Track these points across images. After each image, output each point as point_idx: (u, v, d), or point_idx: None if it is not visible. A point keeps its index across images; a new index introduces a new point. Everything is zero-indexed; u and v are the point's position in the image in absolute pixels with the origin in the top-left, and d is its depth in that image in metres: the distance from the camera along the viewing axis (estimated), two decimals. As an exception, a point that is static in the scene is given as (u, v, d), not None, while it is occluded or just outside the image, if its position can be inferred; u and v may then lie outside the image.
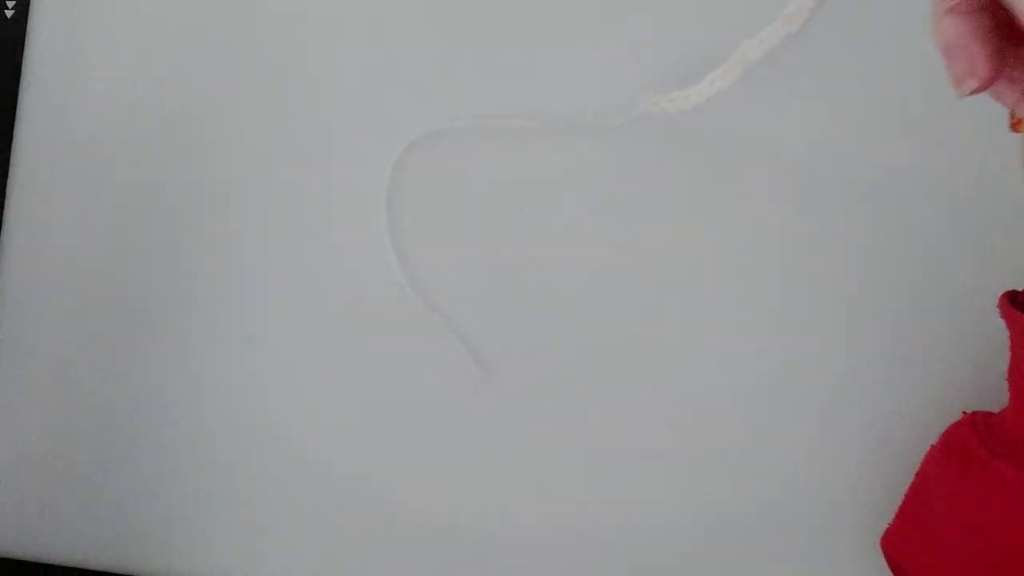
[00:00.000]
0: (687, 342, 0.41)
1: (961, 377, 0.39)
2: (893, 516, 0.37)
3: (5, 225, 0.45)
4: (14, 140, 0.45)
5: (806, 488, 0.39)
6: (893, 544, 0.37)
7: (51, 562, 0.43)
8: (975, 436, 0.32)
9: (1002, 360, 0.32)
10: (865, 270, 0.40)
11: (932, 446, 0.35)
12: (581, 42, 0.42)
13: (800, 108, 0.41)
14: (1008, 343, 0.31)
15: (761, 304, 0.40)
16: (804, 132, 0.41)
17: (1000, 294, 0.31)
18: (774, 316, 0.40)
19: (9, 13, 0.45)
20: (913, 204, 0.37)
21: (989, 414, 0.33)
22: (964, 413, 0.34)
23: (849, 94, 0.41)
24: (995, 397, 0.35)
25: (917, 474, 0.35)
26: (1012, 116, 0.28)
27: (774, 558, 0.39)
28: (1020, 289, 0.30)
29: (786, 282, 0.40)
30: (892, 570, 0.37)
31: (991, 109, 0.28)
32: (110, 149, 0.45)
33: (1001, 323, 0.31)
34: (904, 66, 0.39)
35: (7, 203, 0.45)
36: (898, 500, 0.37)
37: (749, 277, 0.41)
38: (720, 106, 0.41)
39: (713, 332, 0.41)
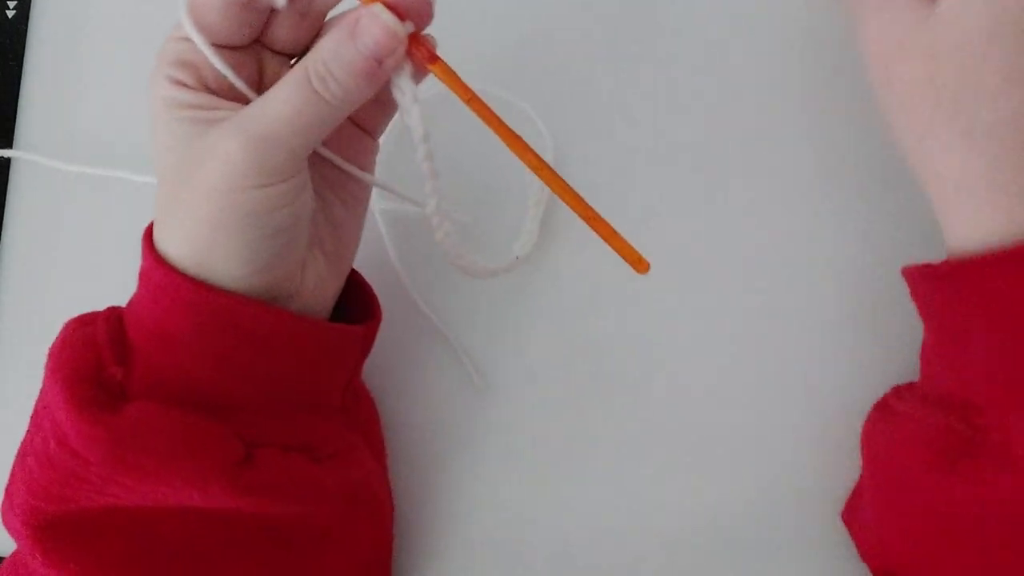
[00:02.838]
0: (686, 344, 0.40)
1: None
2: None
3: (5, 225, 0.45)
4: (15, 140, 0.45)
5: (806, 489, 0.39)
6: (847, 516, 0.38)
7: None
8: (894, 394, 0.35)
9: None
10: (869, 268, 0.39)
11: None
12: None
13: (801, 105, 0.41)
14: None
15: (760, 305, 0.40)
16: (805, 127, 0.41)
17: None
18: (774, 317, 0.40)
19: (10, 13, 0.46)
20: (921, 200, 0.36)
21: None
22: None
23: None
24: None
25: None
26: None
27: (774, 561, 0.39)
28: (938, 262, 0.31)
29: (785, 283, 0.40)
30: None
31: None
32: (111, 151, 0.45)
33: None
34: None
35: (7, 204, 0.45)
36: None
37: (747, 278, 0.40)
38: (717, 110, 0.41)
39: (712, 333, 0.40)
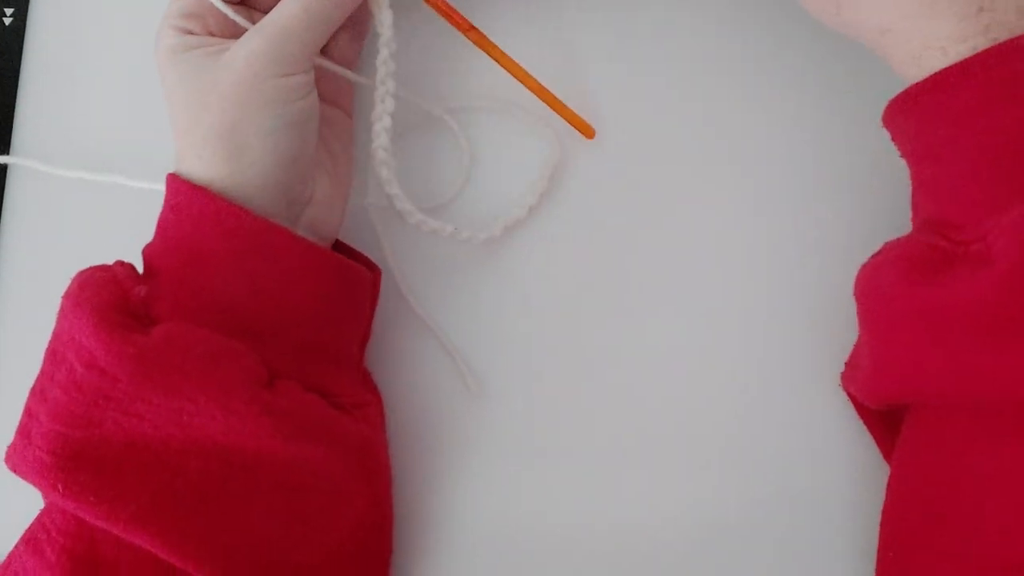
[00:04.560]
0: (684, 346, 0.40)
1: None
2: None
3: (3, 231, 0.45)
4: (11, 148, 0.45)
5: (806, 491, 0.39)
6: (845, 380, 0.38)
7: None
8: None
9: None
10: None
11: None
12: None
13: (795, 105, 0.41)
14: None
15: (758, 305, 0.40)
16: (802, 126, 0.41)
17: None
18: (771, 318, 0.40)
19: (7, 21, 0.46)
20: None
21: None
22: None
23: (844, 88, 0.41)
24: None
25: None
26: None
27: (773, 564, 0.39)
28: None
29: (783, 283, 0.40)
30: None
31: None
32: (108, 157, 0.45)
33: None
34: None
35: (4, 211, 0.45)
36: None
37: (745, 279, 0.40)
38: (713, 108, 0.41)
39: (709, 336, 0.40)
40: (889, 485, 0.35)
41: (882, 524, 0.35)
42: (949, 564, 0.31)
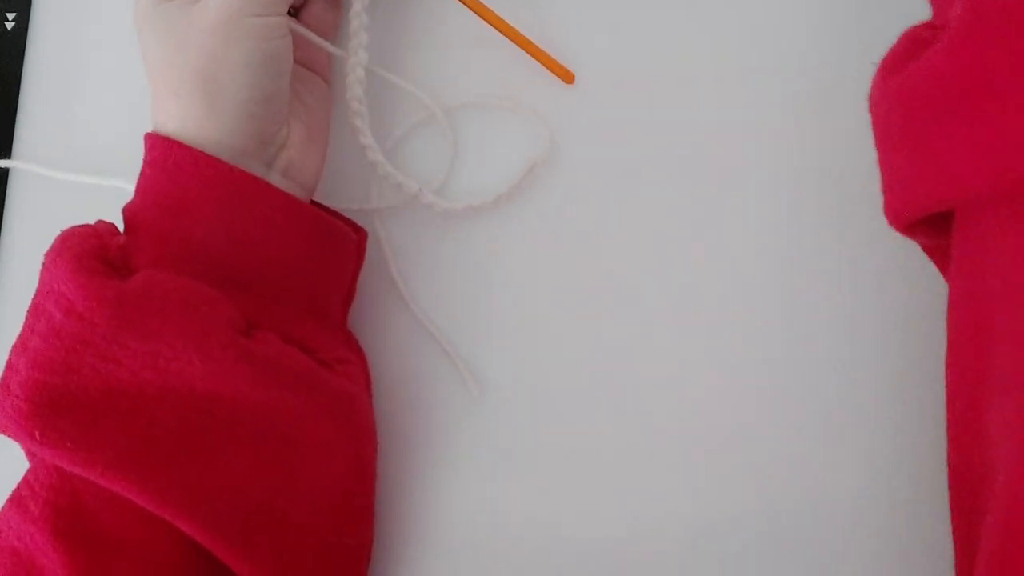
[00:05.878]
0: (685, 349, 0.40)
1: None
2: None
3: (4, 235, 0.45)
4: (13, 152, 0.45)
5: (810, 494, 0.39)
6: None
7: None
8: None
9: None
10: (871, 271, 0.39)
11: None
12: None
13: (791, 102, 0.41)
14: None
15: (762, 309, 0.40)
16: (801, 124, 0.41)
17: None
18: (776, 321, 0.40)
19: (9, 25, 0.46)
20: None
21: None
22: None
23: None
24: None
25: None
26: None
27: (774, 569, 0.38)
28: None
29: (788, 286, 0.40)
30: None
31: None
32: (109, 161, 0.45)
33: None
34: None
35: (5, 215, 0.45)
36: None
37: (749, 281, 0.40)
38: (713, 109, 0.41)
39: (712, 337, 0.40)
40: (948, 323, 0.32)
41: (947, 367, 0.32)
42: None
